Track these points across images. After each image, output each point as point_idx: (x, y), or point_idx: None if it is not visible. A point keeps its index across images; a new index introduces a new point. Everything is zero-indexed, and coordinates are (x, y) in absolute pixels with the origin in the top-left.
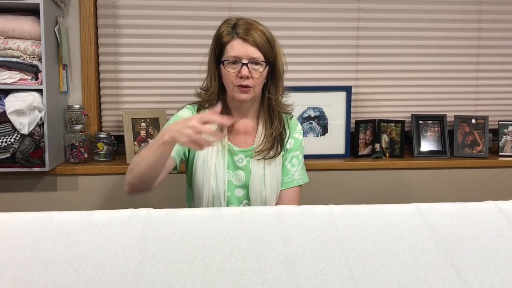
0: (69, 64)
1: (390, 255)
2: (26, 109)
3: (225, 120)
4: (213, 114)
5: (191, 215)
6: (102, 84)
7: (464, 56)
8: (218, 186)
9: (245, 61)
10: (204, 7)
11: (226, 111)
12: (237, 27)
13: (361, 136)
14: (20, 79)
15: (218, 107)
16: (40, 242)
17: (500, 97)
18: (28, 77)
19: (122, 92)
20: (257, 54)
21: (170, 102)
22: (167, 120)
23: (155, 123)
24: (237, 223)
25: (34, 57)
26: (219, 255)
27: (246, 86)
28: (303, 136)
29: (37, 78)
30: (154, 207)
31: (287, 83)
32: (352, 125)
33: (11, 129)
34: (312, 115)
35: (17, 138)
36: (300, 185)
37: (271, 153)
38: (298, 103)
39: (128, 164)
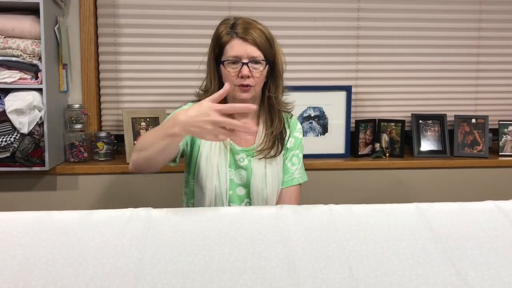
0: (69, 64)
1: (390, 255)
2: (26, 108)
3: (248, 106)
4: (234, 105)
5: (191, 214)
6: (102, 83)
7: (464, 55)
8: (220, 185)
9: (245, 61)
10: (204, 7)
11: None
12: (236, 27)
13: (361, 135)
14: (20, 78)
15: (227, 86)
16: (40, 242)
17: (500, 96)
18: (28, 77)
19: (122, 92)
20: (257, 53)
21: (170, 102)
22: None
23: (155, 122)
24: (237, 223)
25: (34, 57)
26: (219, 255)
27: (247, 86)
28: (303, 136)
29: (37, 78)
30: (154, 207)
31: (287, 83)
32: (352, 125)
33: (11, 128)
34: (312, 115)
35: (17, 137)
36: (300, 184)
37: (272, 152)
38: (298, 103)
39: (128, 164)
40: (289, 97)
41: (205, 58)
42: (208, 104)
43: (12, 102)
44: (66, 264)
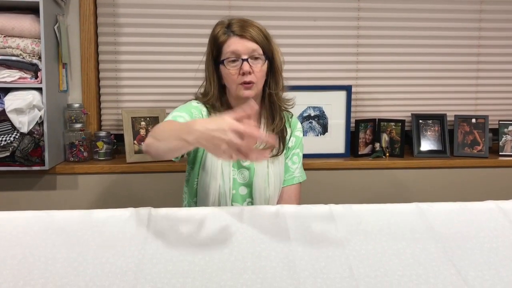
0: (69, 63)
1: (391, 255)
2: (25, 107)
3: (272, 140)
4: (257, 130)
5: (191, 214)
6: (101, 82)
7: (465, 55)
8: (224, 184)
9: (245, 57)
10: (204, 6)
11: (228, 111)
12: (232, 26)
13: (361, 135)
14: (19, 78)
15: (252, 103)
16: (39, 241)
17: (500, 96)
18: (28, 76)
19: (121, 91)
20: (255, 47)
21: (170, 101)
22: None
23: (154, 122)
24: (237, 223)
25: (34, 56)
26: (219, 255)
27: (249, 83)
28: (303, 135)
29: (36, 77)
30: (154, 206)
31: (287, 82)
32: (352, 124)
33: (10, 127)
34: (312, 114)
35: (17, 136)
36: (300, 183)
37: (274, 152)
38: (298, 102)
39: (128, 163)
40: (289, 94)
41: (204, 60)
42: (229, 121)
43: (11, 101)
44: (66, 264)
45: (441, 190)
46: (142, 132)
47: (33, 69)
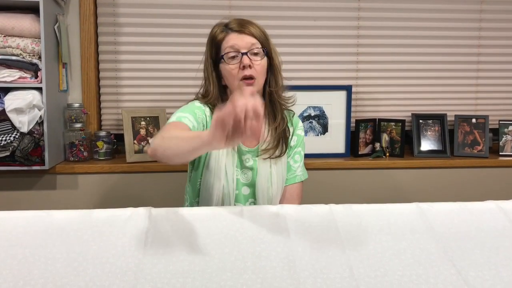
0: (69, 63)
1: (391, 255)
2: (25, 107)
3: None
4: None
5: (191, 214)
6: (102, 82)
7: (465, 55)
8: (228, 185)
9: (244, 51)
10: (204, 6)
11: None
12: (229, 24)
13: (361, 135)
14: (19, 77)
15: (248, 90)
16: (39, 241)
17: (500, 96)
18: (28, 75)
19: (121, 91)
20: (254, 41)
21: (170, 101)
22: (167, 119)
23: (154, 122)
24: (237, 223)
25: (34, 55)
26: (219, 255)
27: (250, 78)
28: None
29: (36, 77)
30: (154, 206)
31: (287, 82)
32: (352, 124)
33: (10, 127)
34: (312, 114)
35: (17, 136)
36: (302, 181)
37: (277, 152)
38: (298, 102)
39: (128, 163)
40: (289, 94)
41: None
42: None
43: (11, 101)
44: (66, 264)
45: (441, 190)
46: (142, 132)
47: (33, 69)
